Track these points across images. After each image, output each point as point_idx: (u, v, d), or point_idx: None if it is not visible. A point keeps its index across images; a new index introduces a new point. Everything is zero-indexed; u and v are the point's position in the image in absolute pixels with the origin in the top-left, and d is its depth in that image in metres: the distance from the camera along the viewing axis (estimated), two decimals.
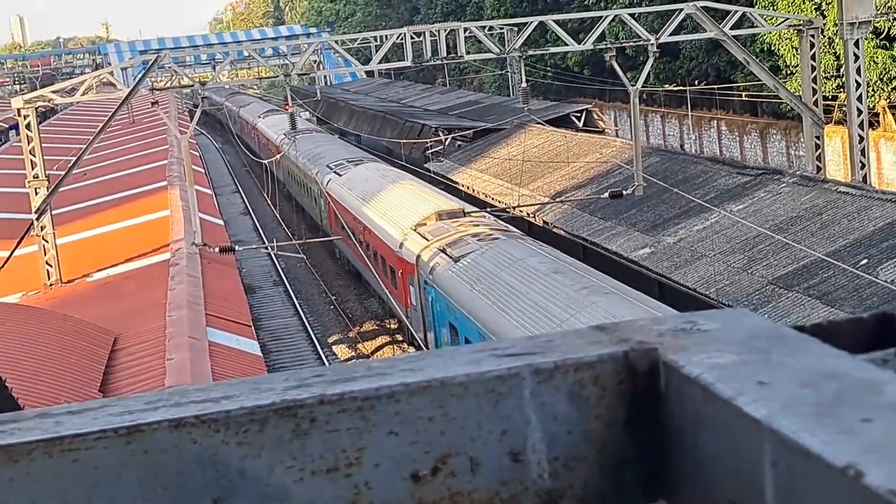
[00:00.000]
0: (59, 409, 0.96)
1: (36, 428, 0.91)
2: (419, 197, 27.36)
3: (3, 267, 24.96)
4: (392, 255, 25.15)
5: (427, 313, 22.92)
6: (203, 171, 48.52)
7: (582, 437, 0.99)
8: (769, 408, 0.84)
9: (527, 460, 0.98)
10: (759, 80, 31.11)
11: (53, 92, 28.94)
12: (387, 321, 30.73)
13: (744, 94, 47.41)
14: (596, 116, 46.03)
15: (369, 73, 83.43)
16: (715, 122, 51.32)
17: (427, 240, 23.55)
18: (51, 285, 26.44)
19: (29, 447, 0.89)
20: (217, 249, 27.06)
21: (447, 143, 44.19)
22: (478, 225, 24.06)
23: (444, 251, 22.54)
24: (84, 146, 27.43)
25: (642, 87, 29.25)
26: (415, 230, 24.42)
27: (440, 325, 22.15)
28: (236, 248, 29.52)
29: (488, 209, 30.06)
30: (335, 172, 32.32)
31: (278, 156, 42.17)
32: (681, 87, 50.24)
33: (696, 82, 51.06)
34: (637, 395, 1.00)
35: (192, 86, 31.62)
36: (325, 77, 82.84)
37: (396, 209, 26.51)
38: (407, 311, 24.90)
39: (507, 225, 25.31)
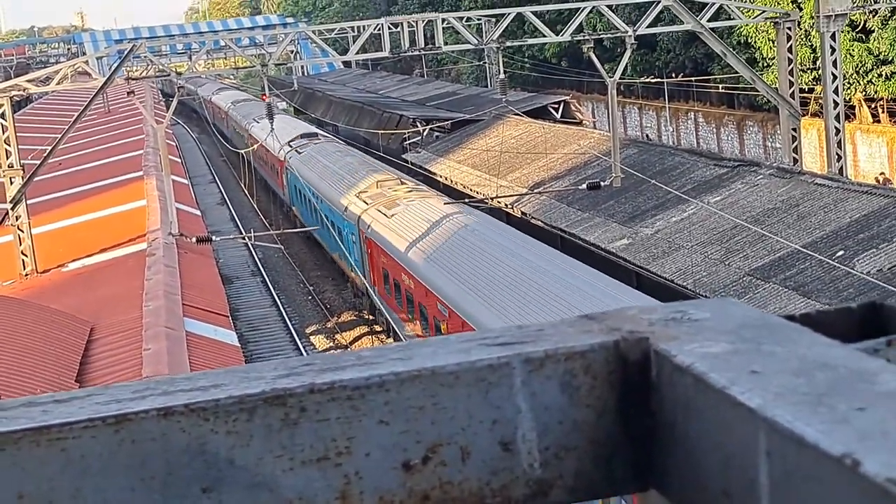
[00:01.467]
0: (45, 397, 0.95)
1: (22, 417, 0.91)
2: (294, 128, 44.56)
3: None
4: (276, 160, 42.07)
5: (287, 186, 40.56)
6: (179, 160, 48.34)
7: (573, 427, 0.99)
8: (763, 397, 0.84)
9: (517, 450, 0.98)
10: (736, 73, 31.23)
11: (28, 81, 28.74)
12: (364, 312, 30.72)
13: (721, 86, 47.58)
14: (574, 108, 46.06)
15: (346, 64, 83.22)
16: (692, 113, 51.48)
17: (291, 147, 40.05)
18: (26, 275, 26.29)
19: (15, 436, 0.88)
20: (194, 239, 26.97)
21: (425, 133, 44.16)
22: (321, 139, 42.21)
23: (296, 151, 39.59)
24: (59, 135, 27.26)
25: (620, 78, 29.29)
26: (287, 144, 40.03)
27: (292, 191, 39.30)
28: (213, 238, 29.42)
29: (466, 200, 30.10)
30: (255, 121, 49.10)
31: (226, 118, 62.68)
32: (658, 80, 50.36)
33: (674, 74, 51.22)
34: (628, 384, 0.99)
35: (168, 75, 31.46)
36: (302, 67, 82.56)
37: (282, 135, 39.96)
38: (281, 190, 42.62)
39: (337, 139, 44.79)
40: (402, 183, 30.22)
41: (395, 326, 24.59)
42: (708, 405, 0.89)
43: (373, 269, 26.96)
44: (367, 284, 27.68)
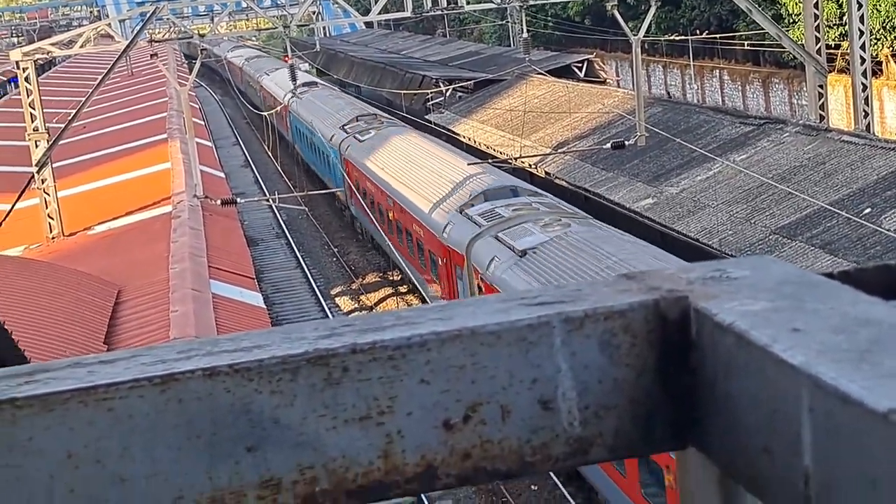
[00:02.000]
0: (90, 358, 0.96)
1: (70, 378, 0.92)
2: (298, 78, 45.30)
3: (4, 220, 24.98)
4: (281, 105, 47.49)
5: (290, 127, 46.73)
6: (203, 123, 48.42)
7: (612, 386, 1.00)
8: (806, 354, 0.84)
9: (557, 409, 0.99)
10: (762, 29, 30.91)
11: (52, 44, 28.81)
12: (389, 273, 30.80)
13: (746, 43, 47.13)
14: (597, 67, 45.83)
15: (368, 25, 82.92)
16: (717, 71, 51.07)
17: (293, 94, 44.36)
18: (53, 238, 26.48)
19: (64, 396, 0.90)
20: (218, 202, 27.07)
21: (448, 94, 44.02)
22: (318, 87, 47.89)
23: (298, 97, 44.28)
24: (83, 99, 27.34)
25: (644, 36, 29.07)
26: (291, 91, 44.35)
27: (294, 130, 45.53)
28: (238, 200, 29.51)
29: (490, 160, 30.06)
30: (265, 73, 56.90)
31: (240, 73, 69.29)
32: (683, 37, 49.94)
33: (698, 32, 50.75)
34: (668, 343, 1.00)
35: (191, 37, 31.46)
36: (323, 28, 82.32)
37: (286, 85, 44.78)
38: (286, 131, 48.28)
39: (334, 88, 50.66)
40: (377, 118, 37.23)
41: (364, 226, 33.09)
42: (749, 363, 0.89)
43: (350, 181, 33.53)
44: (345, 196, 35.03)
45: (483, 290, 20.17)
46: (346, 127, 35.97)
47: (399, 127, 35.44)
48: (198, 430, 0.92)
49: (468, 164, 27.12)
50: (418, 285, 25.95)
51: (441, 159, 28.23)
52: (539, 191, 24.22)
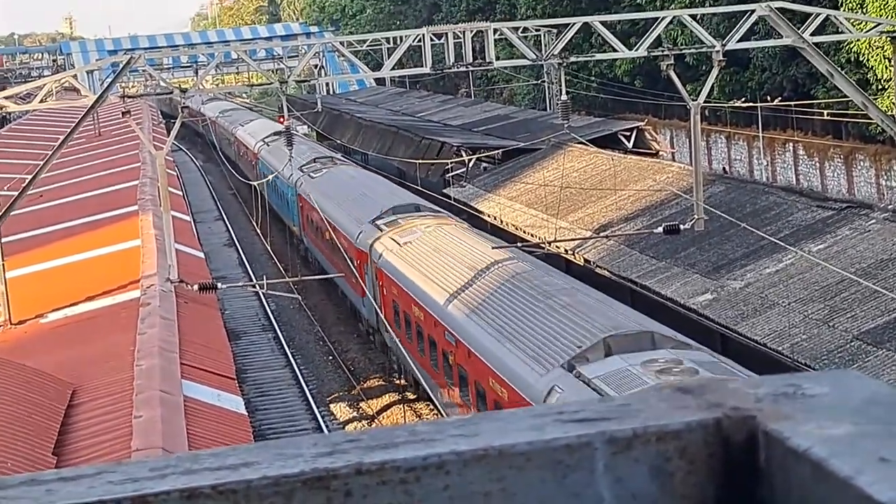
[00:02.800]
0: (49, 474, 0.96)
1: (24, 497, 0.92)
2: (269, 128, 58.52)
3: None
4: (252, 154, 58.52)
5: (259, 174, 55.31)
6: (181, 194, 48.78)
7: None
8: None
9: None
10: (845, 96, 31.14)
11: (6, 98, 29.18)
12: (395, 376, 30.74)
13: (826, 112, 47.44)
14: (649, 136, 46.09)
15: (380, 81, 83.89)
16: (791, 144, 51.31)
17: (264, 142, 55.17)
18: None
19: None
20: (196, 287, 27.13)
21: (471, 165, 44.31)
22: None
23: (266, 144, 54.50)
24: (41, 162, 27.60)
25: (704, 101, 29.29)
26: (262, 140, 56.12)
27: (261, 176, 53.31)
28: (219, 285, 29.58)
29: (519, 244, 30.19)
30: (240, 125, 68.43)
31: (214, 126, 79.08)
32: (750, 103, 50.31)
33: (769, 97, 51.14)
34: (731, 470, 0.99)
35: (171, 93, 31.84)
36: (327, 85, 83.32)
37: (258, 135, 58.16)
38: (255, 178, 56.39)
39: (302, 136, 59.82)
40: (333, 159, 48.69)
41: (313, 255, 43.19)
42: (829, 497, 0.89)
43: (302, 216, 44.51)
44: (298, 229, 46.05)
45: (377, 276, 30.58)
46: (303, 167, 46.32)
47: (348, 166, 47.85)
48: None
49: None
50: (345, 291, 36.70)
51: (367, 186, 40.26)
52: (439, 209, 35.13)
